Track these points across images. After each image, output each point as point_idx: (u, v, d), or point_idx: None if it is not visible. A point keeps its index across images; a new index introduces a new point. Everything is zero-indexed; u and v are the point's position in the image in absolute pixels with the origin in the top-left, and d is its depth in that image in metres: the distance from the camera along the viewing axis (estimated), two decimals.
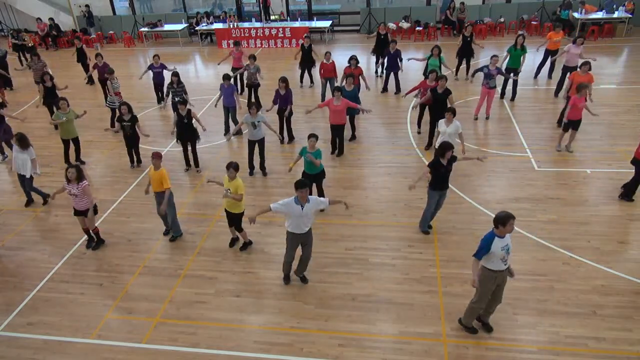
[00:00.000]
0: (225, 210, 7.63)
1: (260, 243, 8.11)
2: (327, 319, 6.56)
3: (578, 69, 10.85)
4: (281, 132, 11.20)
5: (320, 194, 8.61)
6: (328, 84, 13.13)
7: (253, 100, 13.14)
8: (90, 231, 8.22)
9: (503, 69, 12.23)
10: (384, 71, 14.15)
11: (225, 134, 12.02)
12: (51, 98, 12.50)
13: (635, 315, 6.27)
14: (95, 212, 8.09)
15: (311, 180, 8.17)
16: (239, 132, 11.68)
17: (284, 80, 10.80)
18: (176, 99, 11.64)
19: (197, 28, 20.96)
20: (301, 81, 15.03)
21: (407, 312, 6.57)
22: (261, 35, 19.92)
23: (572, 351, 5.87)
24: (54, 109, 11.50)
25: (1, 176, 10.86)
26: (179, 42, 20.98)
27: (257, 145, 9.95)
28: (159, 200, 7.94)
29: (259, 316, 6.70)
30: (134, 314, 6.86)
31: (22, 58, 18.98)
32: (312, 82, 15.03)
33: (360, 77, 12.09)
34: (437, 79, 10.26)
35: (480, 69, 11.49)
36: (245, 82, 13.57)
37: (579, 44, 12.23)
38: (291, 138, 11.49)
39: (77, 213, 7.98)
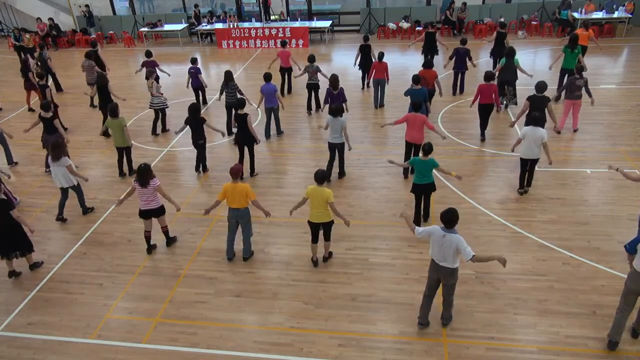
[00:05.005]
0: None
1: (260, 243, 8.11)
2: (327, 319, 6.57)
3: None
4: None
5: (427, 208, 8.18)
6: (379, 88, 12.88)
7: (313, 101, 13.08)
8: (161, 230, 8.01)
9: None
10: (452, 71, 13.57)
11: (267, 138, 11.64)
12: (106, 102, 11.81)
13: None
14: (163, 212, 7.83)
15: (420, 191, 7.94)
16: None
17: (334, 78, 10.73)
18: (231, 99, 11.29)
19: (197, 28, 20.97)
20: (362, 82, 14.60)
21: (407, 312, 6.56)
22: (261, 35, 19.93)
23: (572, 351, 5.87)
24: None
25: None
26: (179, 42, 20.99)
27: (336, 150, 9.43)
28: (235, 215, 7.31)
29: (259, 316, 6.70)
30: (134, 314, 6.86)
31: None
32: (368, 85, 14.38)
33: (435, 81, 11.51)
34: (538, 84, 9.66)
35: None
36: (289, 84, 14.39)
37: None
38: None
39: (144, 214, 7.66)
